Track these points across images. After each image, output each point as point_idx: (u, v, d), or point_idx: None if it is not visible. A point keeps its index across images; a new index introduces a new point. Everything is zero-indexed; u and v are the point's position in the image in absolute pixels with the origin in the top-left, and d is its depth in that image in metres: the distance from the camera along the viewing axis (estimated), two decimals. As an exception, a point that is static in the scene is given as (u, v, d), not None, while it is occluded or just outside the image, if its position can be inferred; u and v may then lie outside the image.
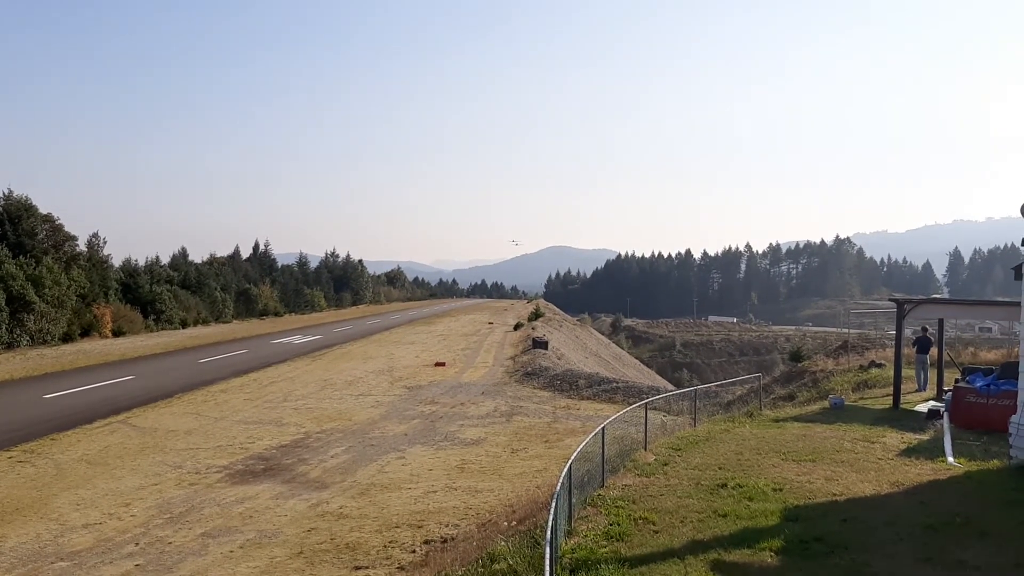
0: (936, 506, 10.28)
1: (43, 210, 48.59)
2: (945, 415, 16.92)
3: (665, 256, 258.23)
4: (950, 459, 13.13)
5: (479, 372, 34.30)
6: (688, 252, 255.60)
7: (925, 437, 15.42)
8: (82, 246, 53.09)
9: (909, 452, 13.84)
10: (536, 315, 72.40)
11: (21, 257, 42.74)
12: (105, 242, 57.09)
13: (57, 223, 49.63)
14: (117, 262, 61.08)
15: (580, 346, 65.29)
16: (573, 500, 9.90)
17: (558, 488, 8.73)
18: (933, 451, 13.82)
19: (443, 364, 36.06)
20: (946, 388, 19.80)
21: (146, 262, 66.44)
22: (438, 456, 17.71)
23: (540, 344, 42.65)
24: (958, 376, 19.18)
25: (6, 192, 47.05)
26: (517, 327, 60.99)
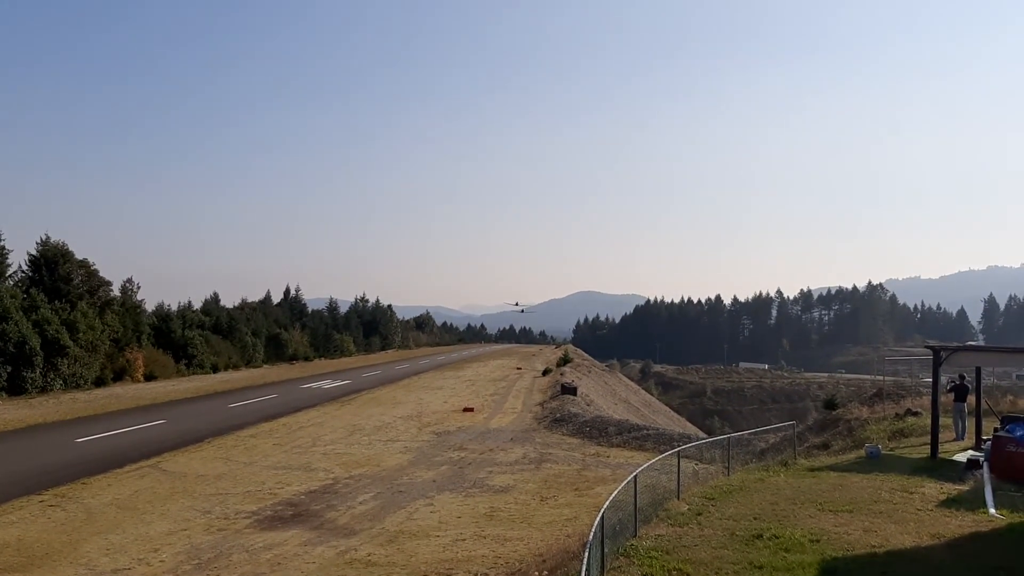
0: (978, 559, 10.01)
1: (79, 255, 49.45)
2: (985, 465, 16.53)
3: (695, 302, 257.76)
4: (992, 510, 12.80)
5: (507, 418, 34.12)
6: (718, 298, 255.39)
7: (965, 487, 15.06)
8: (116, 291, 53.81)
9: (949, 503, 13.52)
10: (564, 360, 72.25)
11: (56, 302, 43.45)
12: (139, 287, 57.91)
13: (92, 268, 50.26)
14: (150, 307, 62.00)
15: (609, 392, 64.83)
16: (606, 550, 9.74)
17: (591, 537, 8.61)
18: (974, 502, 13.49)
19: (471, 410, 35.92)
20: (985, 437, 19.36)
21: (178, 307, 67.15)
22: (467, 503, 17.56)
23: (569, 390, 42.43)
24: (997, 425, 18.76)
25: (43, 238, 48.01)
26: (545, 373, 60.84)
